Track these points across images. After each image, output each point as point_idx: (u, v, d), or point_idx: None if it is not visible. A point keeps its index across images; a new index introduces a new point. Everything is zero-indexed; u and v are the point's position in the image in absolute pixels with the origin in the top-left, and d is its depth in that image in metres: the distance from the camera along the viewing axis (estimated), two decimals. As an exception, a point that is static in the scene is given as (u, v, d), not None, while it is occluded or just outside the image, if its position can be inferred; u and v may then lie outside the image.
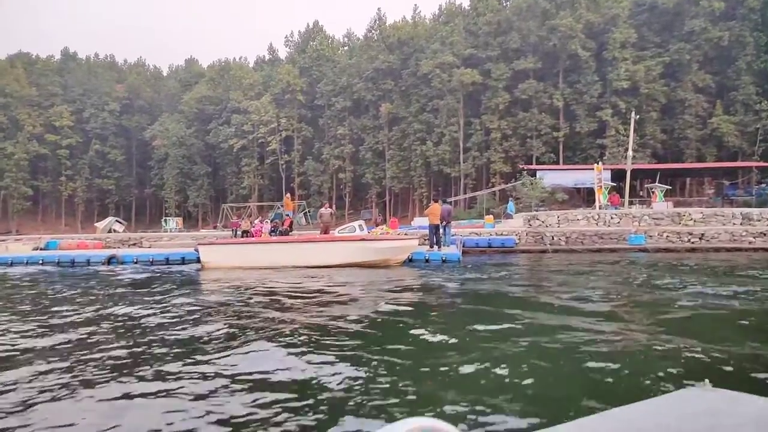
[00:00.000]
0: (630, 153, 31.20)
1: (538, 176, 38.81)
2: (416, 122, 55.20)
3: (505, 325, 6.97)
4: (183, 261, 18.41)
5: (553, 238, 23.04)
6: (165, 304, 9.50)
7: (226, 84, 69.95)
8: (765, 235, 21.71)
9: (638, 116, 36.15)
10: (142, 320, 8.03)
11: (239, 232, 25.43)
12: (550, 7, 50.51)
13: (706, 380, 1.84)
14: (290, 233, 22.97)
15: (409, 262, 17.53)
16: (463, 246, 22.23)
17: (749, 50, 48.75)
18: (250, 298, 10.17)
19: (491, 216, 30.14)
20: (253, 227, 24.69)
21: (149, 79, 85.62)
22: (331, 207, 21.40)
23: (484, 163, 52.17)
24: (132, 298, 10.50)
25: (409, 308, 8.93)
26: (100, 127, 72.95)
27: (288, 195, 25.48)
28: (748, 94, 48.10)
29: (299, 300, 9.77)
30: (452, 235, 21.46)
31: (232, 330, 7.13)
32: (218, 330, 7.15)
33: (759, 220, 22.90)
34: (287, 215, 23.95)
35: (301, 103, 62.98)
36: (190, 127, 69.55)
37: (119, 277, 15.08)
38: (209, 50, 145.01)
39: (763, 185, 43.88)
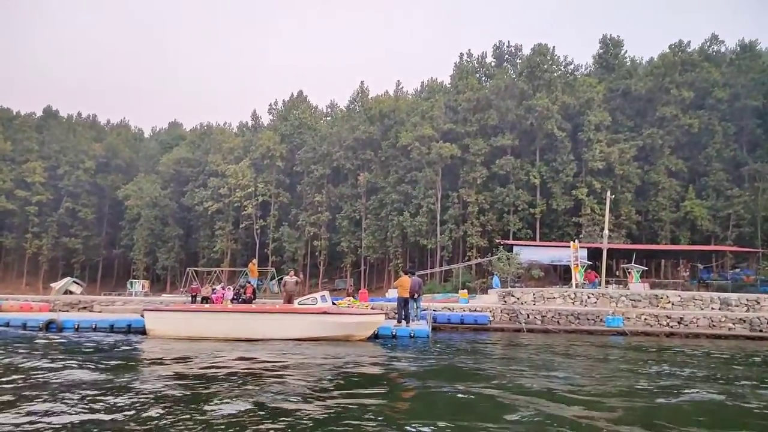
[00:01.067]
0: (606, 232, 30.99)
1: (514, 251, 38.38)
2: (394, 192, 55.10)
3: (463, 417, 5.88)
4: (129, 329, 16.87)
5: (528, 317, 22.09)
6: (57, 381, 8.17)
7: (206, 147, 69.86)
8: (744, 321, 21.06)
9: (613, 196, 36.31)
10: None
11: (199, 298, 23.99)
12: (528, 88, 52.11)
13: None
14: (253, 302, 21.68)
15: (375, 338, 16.32)
16: (435, 321, 21.14)
17: (718, 138, 50.45)
18: (162, 380, 8.89)
19: (466, 291, 29.13)
20: (214, 293, 23.35)
21: (129, 140, 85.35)
22: (297, 275, 20.20)
23: (461, 236, 51.76)
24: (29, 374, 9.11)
25: (353, 395, 7.75)
26: (73, 184, 71.54)
27: (253, 261, 24.29)
28: (719, 180, 49.28)
29: (221, 382, 8.49)
30: (422, 310, 20.39)
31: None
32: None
33: (737, 306, 22.33)
34: (249, 282, 22.67)
35: (280, 168, 62.85)
36: (166, 188, 68.62)
37: (49, 345, 13.56)
38: (196, 115, 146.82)
39: (738, 270, 44.05)
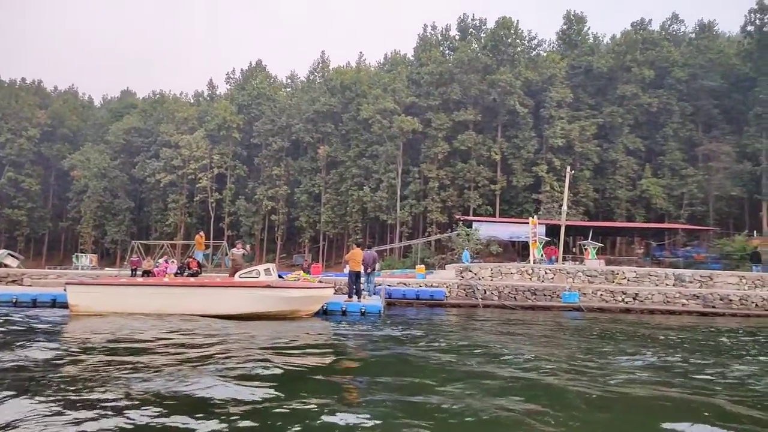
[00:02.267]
0: (564, 208, 30.73)
1: (473, 227, 38.00)
2: (354, 167, 53.97)
3: (413, 399, 5.06)
4: (54, 303, 15.49)
5: (485, 292, 21.58)
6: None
7: (158, 116, 66.78)
8: (697, 297, 21.08)
9: (573, 172, 36.18)
10: None
11: (139, 272, 22.54)
12: (491, 62, 51.41)
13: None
14: (199, 275, 20.43)
15: (323, 313, 15.44)
16: (389, 297, 20.37)
17: (675, 118, 51.09)
18: (84, 355, 7.78)
19: (423, 266, 28.52)
20: (156, 267, 21.94)
21: (77, 108, 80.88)
22: (244, 247, 18.98)
23: (421, 211, 51.24)
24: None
25: (288, 377, 6.83)
26: (16, 153, 67.42)
27: (200, 233, 22.86)
28: (675, 159, 50.02)
29: (116, 365, 7.42)
30: (377, 285, 19.60)
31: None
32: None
33: (691, 282, 22.37)
34: (192, 257, 21.33)
35: (236, 140, 60.68)
36: (116, 159, 65.53)
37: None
38: (151, 84, 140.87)
39: (689, 248, 44.95)
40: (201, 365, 7.30)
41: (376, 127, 51.25)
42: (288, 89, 70.79)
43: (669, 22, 59.14)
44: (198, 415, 4.83)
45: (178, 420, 4.72)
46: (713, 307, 20.65)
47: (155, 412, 4.97)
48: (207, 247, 30.51)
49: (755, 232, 44.71)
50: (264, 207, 58.05)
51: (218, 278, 16.35)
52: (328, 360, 8.63)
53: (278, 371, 7.07)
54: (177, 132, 61.73)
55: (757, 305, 20.53)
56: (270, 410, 5.16)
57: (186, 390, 5.80)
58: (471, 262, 27.11)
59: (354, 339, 11.11)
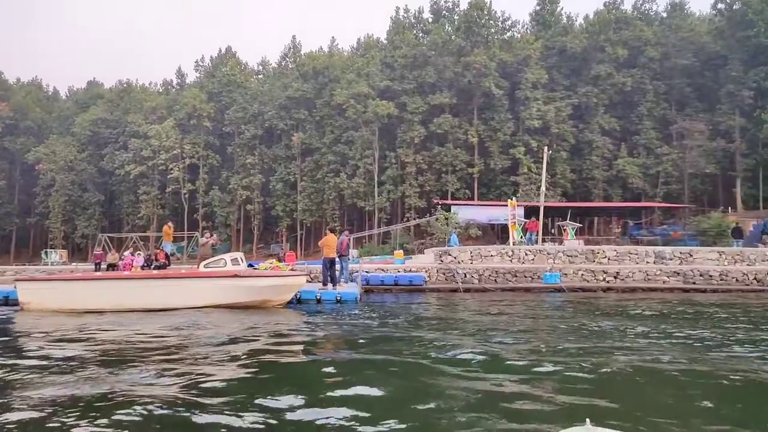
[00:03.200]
0: (543, 189, 30.40)
1: (452, 211, 37.54)
2: (330, 153, 52.99)
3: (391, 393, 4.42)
4: (6, 301, 14.51)
5: (465, 276, 21.10)
6: None
7: (125, 106, 64.67)
8: (678, 274, 20.92)
9: (551, 152, 35.89)
10: None
11: (104, 266, 21.54)
12: (465, 44, 50.70)
13: (587, 420, 1.97)
14: (167, 268, 19.54)
15: (297, 302, 14.75)
16: (367, 283, 19.80)
17: (649, 97, 51.17)
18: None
19: (401, 251, 27.94)
20: (122, 260, 20.99)
21: (41, 100, 78.02)
22: (212, 236, 18.12)
23: (399, 197, 50.61)
24: None
25: (243, 372, 6.14)
26: (-23, 148, 64.88)
27: (169, 224, 21.92)
28: (650, 138, 50.15)
29: (57, 365, 6.67)
30: (354, 272, 18.96)
31: None
32: None
33: (671, 259, 22.21)
34: (160, 248, 20.49)
35: (208, 129, 59.03)
36: (83, 151, 63.38)
37: None
38: (117, 74, 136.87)
39: (665, 226, 45.21)
40: (143, 363, 6.55)
41: (350, 112, 50.26)
42: (260, 76, 69.15)
43: (641, 2, 59.06)
44: (126, 416, 4.12)
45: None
46: (694, 283, 20.53)
47: (70, 417, 4.24)
48: (177, 238, 29.48)
49: (729, 208, 45.21)
50: (239, 197, 56.75)
51: (184, 270, 15.47)
52: (289, 351, 7.94)
53: (232, 367, 6.37)
54: (146, 122, 59.84)
55: (737, 280, 20.45)
56: (208, 410, 4.47)
57: (108, 389, 5.07)
58: (454, 245, 26.67)
59: (323, 328, 10.47)
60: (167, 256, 20.31)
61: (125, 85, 70.71)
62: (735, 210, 45.36)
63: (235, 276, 13.02)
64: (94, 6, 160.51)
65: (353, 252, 36.60)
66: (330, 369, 6.50)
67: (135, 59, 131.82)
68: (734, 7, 49.64)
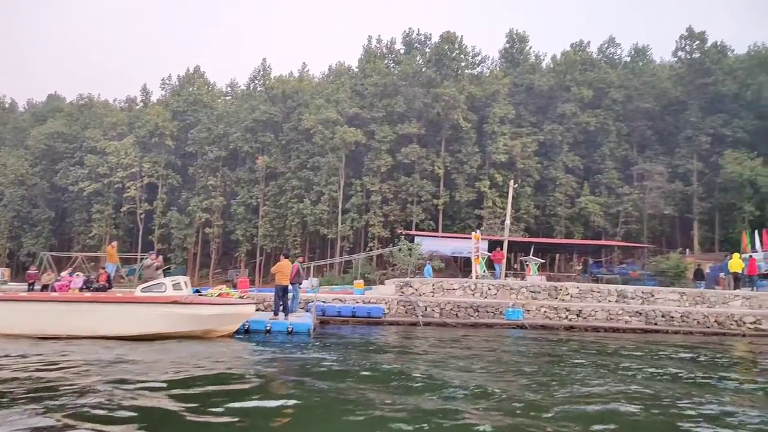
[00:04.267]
0: (508, 223, 30.14)
1: (416, 242, 36.98)
2: (295, 179, 52.05)
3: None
4: None
5: (426, 309, 20.30)
6: None
7: (85, 121, 62.54)
8: (640, 314, 20.60)
9: (516, 185, 35.87)
10: None
11: (38, 287, 19.94)
12: (436, 76, 51.08)
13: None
14: (109, 290, 18.13)
15: (245, 333, 13.66)
16: (322, 314, 18.78)
17: (612, 138, 52.32)
18: None
19: (361, 281, 27.04)
20: (58, 281, 19.43)
21: (-5, 111, 75.07)
22: (157, 258, 16.89)
23: (363, 225, 49.85)
24: None
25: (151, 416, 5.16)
26: None
27: (113, 244, 20.51)
28: (611, 178, 51.06)
29: None
30: (308, 302, 17.97)
31: None
32: None
33: (633, 298, 21.92)
34: (104, 269, 19.07)
35: (170, 148, 57.44)
36: (36, 165, 60.75)
37: None
38: (80, 89, 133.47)
39: (624, 265, 45.67)
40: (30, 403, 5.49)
41: (317, 138, 49.65)
42: (228, 98, 68.17)
43: (606, 45, 61.04)
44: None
45: None
46: (655, 324, 20.20)
47: None
48: (130, 260, 27.94)
49: (687, 249, 46.02)
50: (198, 219, 54.98)
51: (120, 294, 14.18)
52: (216, 391, 6.95)
53: (120, 415, 5.38)
54: (104, 138, 57.88)
55: (698, 322, 20.21)
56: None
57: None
58: (428, 276, 25.95)
59: (265, 363, 9.48)
60: (109, 279, 18.92)
61: (86, 100, 68.54)
62: (692, 252, 46.19)
63: (175, 302, 11.88)
64: (62, 20, 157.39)
65: (314, 281, 35.54)
66: (253, 417, 5.58)
67: (101, 76, 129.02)
68: (694, 56, 51.56)
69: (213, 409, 5.71)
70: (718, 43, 52.50)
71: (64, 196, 60.60)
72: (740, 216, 46.43)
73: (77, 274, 19.94)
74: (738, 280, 24.33)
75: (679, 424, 5.80)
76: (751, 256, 26.45)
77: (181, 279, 13.06)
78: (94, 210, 57.23)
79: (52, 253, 29.77)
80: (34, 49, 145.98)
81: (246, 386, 7.45)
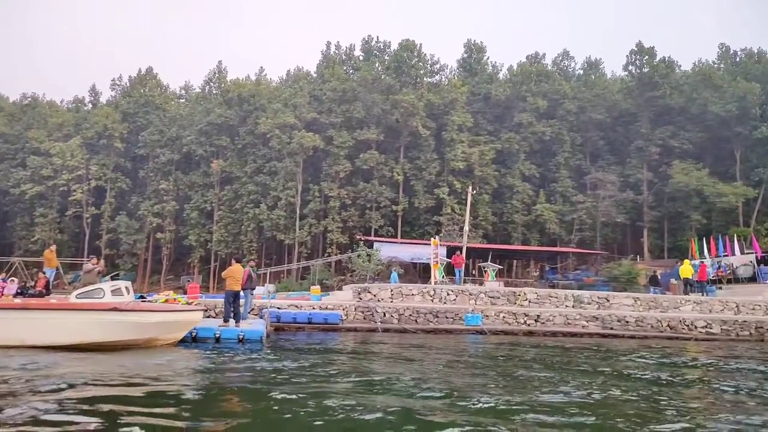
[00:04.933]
0: (466, 229, 30.13)
1: (375, 248, 36.59)
2: (251, 183, 50.86)
3: None
4: None
5: (384, 315, 19.84)
6: None
7: (28, 121, 59.52)
8: (596, 319, 20.73)
9: (475, 191, 35.98)
10: None
11: (-35, 293, 18.40)
12: (395, 83, 51.02)
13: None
14: (47, 296, 16.90)
15: (193, 341, 12.85)
16: (277, 321, 18.08)
17: (566, 147, 53.43)
18: None
19: (318, 287, 26.40)
20: (-10, 286, 18.03)
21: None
22: (99, 262, 15.79)
23: (321, 231, 49.09)
24: None
25: None
26: None
27: (51, 248, 19.26)
28: (566, 186, 52.07)
29: None
30: (262, 308, 17.24)
31: None
32: None
33: (589, 303, 22.09)
34: (43, 273, 17.85)
35: (119, 151, 55.23)
36: (-27, 166, 57.35)
37: None
38: (22, 88, 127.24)
39: (578, 271, 46.53)
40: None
41: (275, 142, 48.72)
42: (182, 100, 66.28)
43: (560, 58, 62.52)
44: None
45: None
46: (611, 328, 20.37)
47: None
48: (75, 266, 26.34)
49: (638, 256, 47.26)
50: (149, 224, 52.97)
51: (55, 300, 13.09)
52: (136, 410, 6.27)
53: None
54: (49, 139, 55.17)
55: (652, 326, 20.47)
56: None
57: None
58: (395, 283, 25.45)
59: (209, 373, 8.81)
60: (48, 285, 17.69)
61: (30, 99, 65.34)
62: (642, 258, 47.46)
63: (114, 309, 10.99)
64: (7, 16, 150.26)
65: (270, 287, 34.57)
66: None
67: (47, 75, 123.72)
68: (643, 70, 53.28)
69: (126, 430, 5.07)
70: (666, 59, 54.51)
71: (5, 199, 57.34)
72: (688, 224, 48.07)
73: (11, 280, 18.56)
74: (689, 286, 24.89)
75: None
76: (702, 262, 27.19)
77: (122, 284, 12.17)
78: (38, 214, 54.37)
79: (-13, 259, 27.81)
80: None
81: (178, 399, 6.78)
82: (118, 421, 5.24)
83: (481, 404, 6.50)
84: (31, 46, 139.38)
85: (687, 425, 5.82)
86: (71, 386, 6.91)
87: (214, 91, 58.85)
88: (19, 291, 17.75)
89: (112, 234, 54.31)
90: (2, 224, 59.18)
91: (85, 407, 5.71)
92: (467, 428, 5.22)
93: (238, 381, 8.45)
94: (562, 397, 7.10)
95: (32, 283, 18.41)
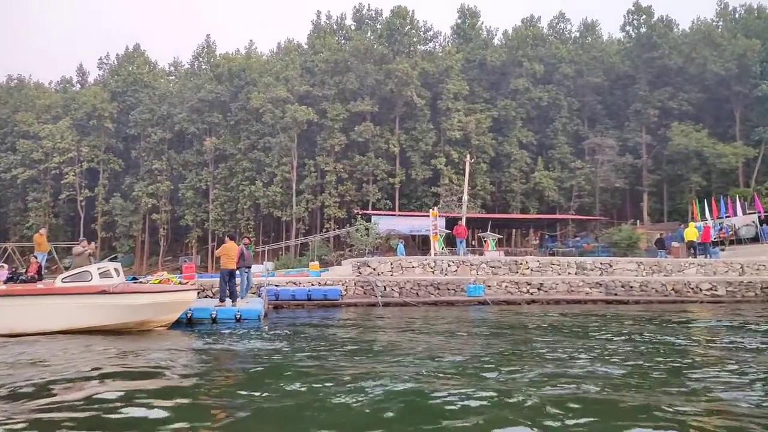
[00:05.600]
0: (465, 198, 29.68)
1: (373, 221, 36.14)
2: (245, 160, 50.12)
3: None
4: None
5: (385, 289, 19.51)
6: None
7: (15, 103, 58.35)
8: (600, 285, 20.45)
9: (473, 160, 35.39)
10: None
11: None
12: (388, 52, 49.88)
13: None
14: (38, 282, 16.46)
15: (188, 323, 12.48)
16: (276, 299, 17.74)
17: (564, 113, 52.60)
18: None
19: (317, 263, 26.03)
20: (-21, 274, 17.59)
21: None
22: (90, 244, 15.28)
23: (318, 207, 48.59)
24: None
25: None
26: None
27: (41, 231, 18.73)
28: (564, 153, 51.42)
29: None
30: (263, 286, 16.86)
31: None
32: None
33: (592, 270, 21.77)
34: (35, 257, 17.36)
35: (110, 131, 54.27)
36: (-38, 152, 56.41)
37: None
38: (12, 71, 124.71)
39: (578, 238, 46.29)
40: None
41: (267, 117, 47.80)
42: (171, 77, 64.96)
43: (556, 21, 61.15)
44: None
45: None
46: (615, 294, 20.10)
47: None
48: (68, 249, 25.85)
49: (638, 221, 46.96)
50: (144, 205, 52.35)
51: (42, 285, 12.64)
52: (123, 395, 5.89)
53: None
54: (37, 121, 54.14)
55: (656, 291, 20.23)
56: None
57: None
58: (402, 255, 25.01)
59: (204, 356, 8.43)
60: (40, 269, 17.26)
61: (16, 81, 64.00)
62: (642, 223, 47.16)
63: (103, 292, 10.57)
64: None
65: (268, 264, 34.20)
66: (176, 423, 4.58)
67: (33, 55, 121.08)
68: (641, 30, 52.13)
69: (110, 416, 4.68)
70: (664, 18, 53.31)
71: (-3, 184, 56.64)
72: (687, 186, 47.69)
73: (1, 266, 18.13)
74: (692, 249, 24.57)
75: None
76: (705, 224, 26.83)
77: (111, 266, 11.72)
78: (30, 198, 53.74)
79: (-21, 245, 27.30)
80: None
81: (171, 384, 6.39)
82: (105, 416, 4.83)
83: (507, 377, 6.12)
84: (18, 25, 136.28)
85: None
86: (52, 381, 6.50)
87: (204, 66, 57.61)
88: (9, 277, 17.34)
89: (107, 216, 53.82)
90: (-4, 210, 58.58)
91: (75, 399, 5.30)
92: (494, 409, 4.83)
93: (233, 362, 8.07)
94: (580, 369, 6.73)
95: (24, 269, 18.00)
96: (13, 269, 18.24)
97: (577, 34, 59.87)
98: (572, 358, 7.73)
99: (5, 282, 16.84)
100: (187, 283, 14.18)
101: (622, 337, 10.17)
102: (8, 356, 8.05)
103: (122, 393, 5.61)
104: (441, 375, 6.47)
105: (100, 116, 52.58)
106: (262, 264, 37.21)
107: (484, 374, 6.53)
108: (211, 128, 52.76)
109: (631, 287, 20.39)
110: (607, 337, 10.25)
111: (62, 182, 52.79)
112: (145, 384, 6.25)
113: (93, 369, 6.89)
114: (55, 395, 5.52)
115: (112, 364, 7.45)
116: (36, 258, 17.84)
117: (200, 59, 59.41)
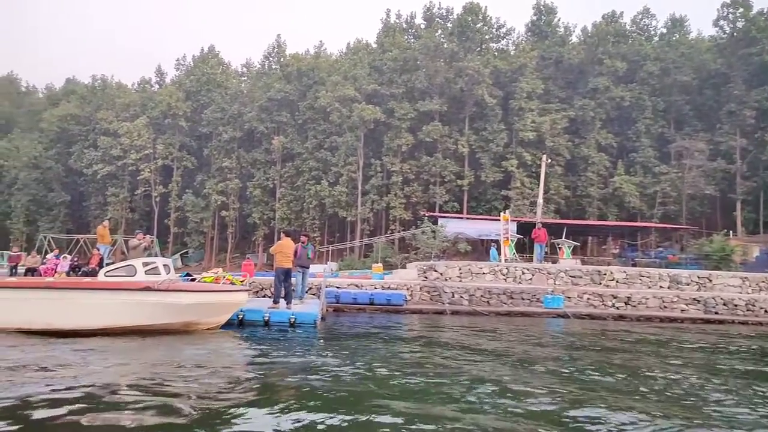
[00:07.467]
0: (540, 201, 27.62)
1: (440, 224, 34.68)
2: (312, 159, 49.87)
3: None
4: None
5: (453, 296, 18.05)
6: None
7: (98, 102, 61.10)
8: (698, 302, 18.04)
9: (549, 160, 33.11)
10: None
11: (21, 270, 18.17)
12: (459, 49, 48.17)
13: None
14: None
15: (239, 325, 11.54)
16: (336, 301, 16.69)
17: (647, 114, 48.88)
18: None
19: (380, 265, 24.88)
20: (44, 264, 17.65)
21: (11, 94, 74.27)
22: (145, 237, 14.76)
23: (384, 207, 47.53)
24: None
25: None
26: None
27: (104, 224, 18.62)
28: (647, 156, 47.75)
29: None
30: (319, 288, 15.81)
31: None
32: None
33: (688, 284, 19.33)
34: (97, 249, 17.21)
35: (184, 129, 55.67)
36: (51, 148, 59.59)
37: None
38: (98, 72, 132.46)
39: (661, 249, 42.75)
40: None
41: (335, 116, 47.30)
42: (243, 78, 66.10)
43: (640, 16, 57.12)
44: None
45: None
46: (716, 312, 17.67)
47: None
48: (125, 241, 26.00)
49: (731, 232, 42.76)
50: (214, 202, 53.22)
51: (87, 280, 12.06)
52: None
53: None
54: (117, 119, 56.35)
55: (766, 311, 17.59)
56: None
57: None
58: (494, 260, 23.33)
59: (248, 366, 7.31)
60: (102, 261, 17.02)
61: (100, 81, 67.15)
62: (735, 234, 42.94)
63: (146, 289, 9.74)
64: (86, 3, 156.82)
65: (332, 265, 33.44)
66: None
67: (120, 57, 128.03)
68: (737, 24, 47.68)
69: None
70: (765, 11, 48.42)
71: (80, 179, 59.41)
72: (789, 195, 42.95)
73: (64, 257, 18.15)
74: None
75: None
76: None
77: (160, 261, 10.95)
78: (109, 193, 55.93)
79: (53, 235, 28.08)
80: (53, 32, 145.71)
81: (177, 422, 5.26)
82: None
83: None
84: (110, 30, 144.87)
85: None
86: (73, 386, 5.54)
87: (273, 66, 58.05)
88: (71, 268, 17.24)
89: (179, 212, 55.15)
90: (79, 204, 61.41)
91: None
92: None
93: (275, 376, 6.92)
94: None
95: (86, 260, 17.91)
96: (76, 260, 18.20)
97: (664, 31, 55.66)
98: (719, 402, 6.02)
99: (67, 273, 16.72)
100: (243, 281, 13.30)
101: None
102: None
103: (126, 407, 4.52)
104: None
105: (175, 115, 54.04)
106: (326, 264, 36.67)
107: (592, 417, 4.98)
108: (279, 127, 52.96)
109: (736, 305, 17.88)
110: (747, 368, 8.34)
111: (138, 178, 54.64)
112: (142, 419, 5.15)
113: (120, 376, 5.90)
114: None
115: (125, 377, 6.45)
116: (98, 250, 17.65)
117: (270, 59, 60.00)
